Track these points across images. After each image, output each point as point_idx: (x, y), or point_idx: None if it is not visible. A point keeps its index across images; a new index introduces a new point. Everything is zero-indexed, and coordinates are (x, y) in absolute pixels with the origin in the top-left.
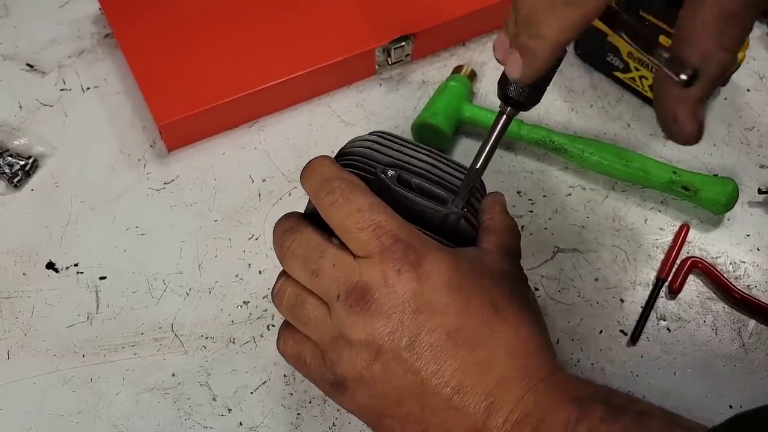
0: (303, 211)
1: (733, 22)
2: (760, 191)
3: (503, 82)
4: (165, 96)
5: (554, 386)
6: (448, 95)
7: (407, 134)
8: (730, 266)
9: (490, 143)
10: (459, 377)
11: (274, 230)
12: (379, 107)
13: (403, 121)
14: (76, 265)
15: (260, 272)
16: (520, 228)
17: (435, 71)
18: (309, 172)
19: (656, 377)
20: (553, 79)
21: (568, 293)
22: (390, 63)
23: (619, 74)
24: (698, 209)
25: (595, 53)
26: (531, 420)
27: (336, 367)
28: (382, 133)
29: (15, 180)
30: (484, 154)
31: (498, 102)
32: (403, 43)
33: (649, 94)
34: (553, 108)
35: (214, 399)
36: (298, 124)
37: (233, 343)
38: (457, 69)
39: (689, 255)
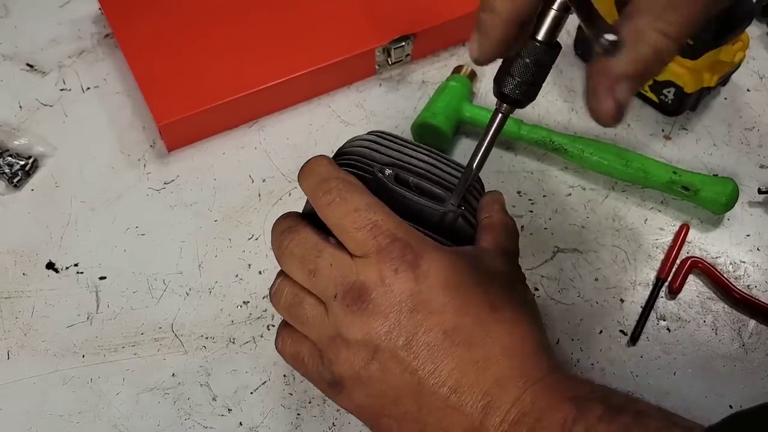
0: (301, 211)
1: (673, 8)
2: (760, 191)
3: (499, 78)
4: (165, 96)
5: (552, 386)
6: (448, 95)
7: (407, 134)
8: (730, 266)
9: (487, 141)
10: (456, 376)
11: (272, 230)
12: (379, 107)
13: (403, 121)
14: (76, 265)
15: (260, 272)
16: (519, 228)
17: (435, 71)
18: (306, 171)
19: (656, 377)
20: (553, 80)
21: (568, 293)
22: (390, 63)
23: None
24: (698, 209)
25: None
26: (528, 420)
27: (333, 366)
28: (381, 132)
29: (15, 180)
30: (481, 152)
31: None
32: (403, 43)
33: (650, 94)
34: (553, 108)
35: (214, 399)
36: (298, 124)
37: (233, 343)
38: (457, 69)
39: (689, 255)
